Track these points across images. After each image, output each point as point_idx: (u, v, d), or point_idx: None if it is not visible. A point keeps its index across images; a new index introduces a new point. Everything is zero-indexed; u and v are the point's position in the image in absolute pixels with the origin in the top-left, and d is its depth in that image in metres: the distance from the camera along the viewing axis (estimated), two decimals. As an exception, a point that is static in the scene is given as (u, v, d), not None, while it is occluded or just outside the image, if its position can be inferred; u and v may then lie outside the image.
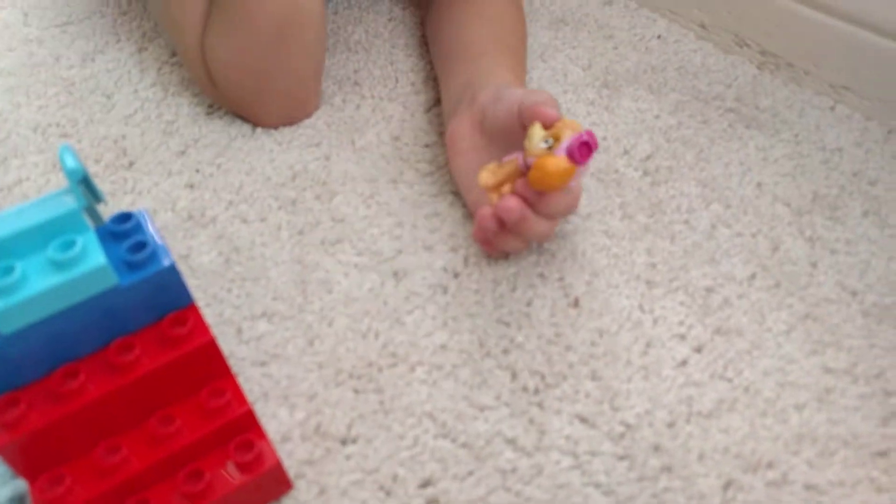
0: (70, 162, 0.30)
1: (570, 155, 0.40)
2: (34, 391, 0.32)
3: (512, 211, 0.42)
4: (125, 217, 0.34)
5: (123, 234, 0.33)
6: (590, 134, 0.40)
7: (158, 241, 0.33)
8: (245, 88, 0.56)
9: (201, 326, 0.34)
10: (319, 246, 0.50)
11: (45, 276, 0.30)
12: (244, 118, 0.60)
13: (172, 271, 0.33)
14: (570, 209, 0.45)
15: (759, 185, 0.55)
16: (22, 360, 0.31)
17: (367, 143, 0.58)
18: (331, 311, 0.46)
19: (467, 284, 0.48)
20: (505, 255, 0.49)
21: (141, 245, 0.33)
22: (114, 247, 0.33)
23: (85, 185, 0.33)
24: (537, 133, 0.42)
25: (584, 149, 0.40)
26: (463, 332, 0.45)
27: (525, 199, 0.43)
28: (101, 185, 0.54)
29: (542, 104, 0.43)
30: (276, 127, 0.59)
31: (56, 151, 0.57)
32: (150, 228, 0.34)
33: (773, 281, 0.48)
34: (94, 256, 0.30)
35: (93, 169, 0.55)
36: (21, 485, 0.37)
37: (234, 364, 0.43)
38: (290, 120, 0.59)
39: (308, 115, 0.60)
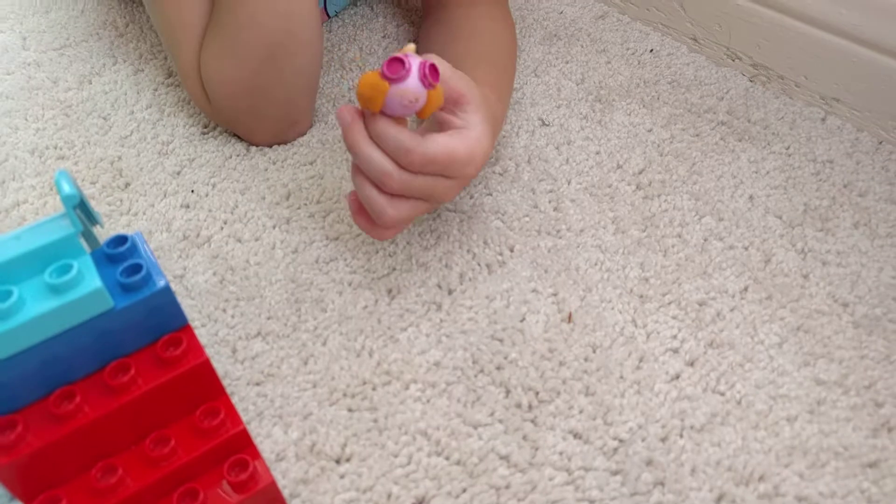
0: (66, 188, 0.31)
1: (382, 70, 0.40)
2: (31, 413, 0.32)
3: (341, 113, 0.43)
4: (120, 240, 0.34)
5: (119, 256, 0.34)
6: (406, 56, 0.40)
7: (153, 263, 0.34)
8: (238, 106, 0.57)
9: (196, 347, 0.35)
10: (314, 264, 0.50)
11: (41, 301, 0.30)
12: (239, 137, 0.60)
13: (167, 293, 0.33)
14: (402, 150, 0.42)
15: (751, 197, 0.55)
16: (19, 384, 0.31)
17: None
18: (325, 329, 0.46)
19: (461, 301, 0.48)
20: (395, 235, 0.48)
21: (136, 268, 0.33)
22: (109, 270, 0.33)
23: (81, 209, 0.34)
24: None
25: (393, 64, 0.40)
26: (457, 349, 0.45)
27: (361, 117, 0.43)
28: (98, 206, 0.55)
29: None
30: (269, 145, 0.60)
31: (53, 174, 0.57)
32: (145, 251, 0.34)
33: (766, 293, 0.48)
34: (89, 280, 0.31)
35: (89, 190, 0.56)
36: None
37: (229, 384, 0.44)
38: (284, 138, 0.60)
39: (301, 134, 0.61)
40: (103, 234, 0.52)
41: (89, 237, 0.35)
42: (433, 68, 0.41)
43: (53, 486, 0.33)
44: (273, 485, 0.36)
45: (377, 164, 0.43)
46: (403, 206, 0.45)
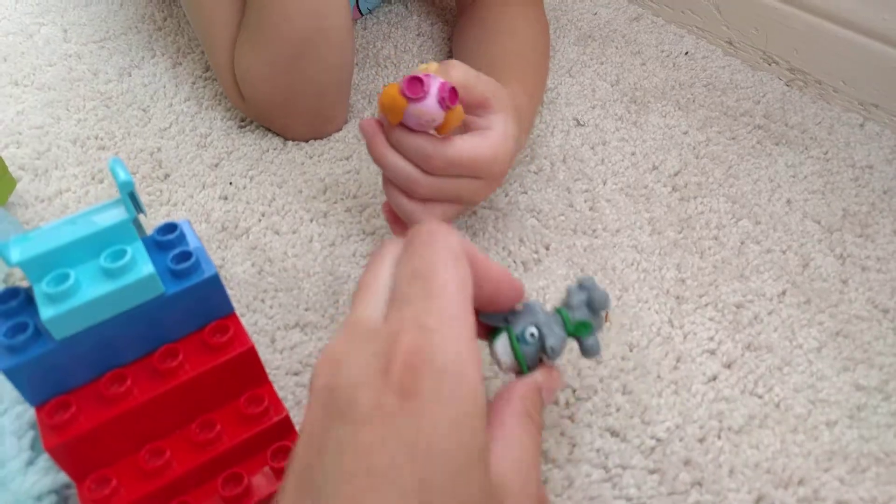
0: (122, 174, 0.31)
1: (401, 87, 0.40)
2: (83, 395, 0.33)
3: (363, 127, 0.44)
4: (170, 228, 0.35)
5: (168, 244, 0.34)
6: (427, 76, 0.40)
7: (202, 251, 0.34)
8: (272, 103, 0.57)
9: (242, 335, 0.35)
10: (351, 258, 0.51)
11: (96, 284, 0.31)
12: (274, 132, 0.61)
13: (215, 281, 0.34)
14: (423, 157, 0.42)
15: (788, 201, 0.55)
16: (73, 365, 0.32)
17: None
18: (363, 322, 0.47)
19: (497, 297, 0.48)
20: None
21: (185, 255, 0.34)
22: (159, 256, 0.34)
23: (131, 197, 0.34)
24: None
25: (412, 83, 0.40)
26: (493, 344, 0.45)
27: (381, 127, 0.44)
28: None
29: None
30: (305, 140, 0.60)
31: (95, 164, 0.58)
32: (193, 238, 0.35)
33: (804, 297, 0.48)
34: (142, 266, 0.31)
35: (130, 180, 0.57)
36: (62, 478, 0.37)
37: (268, 373, 0.44)
38: (318, 134, 0.60)
39: (336, 130, 0.61)
40: (144, 222, 0.52)
41: (137, 225, 0.36)
42: (453, 92, 0.40)
43: (103, 466, 0.33)
44: (313, 472, 0.36)
45: (402, 171, 0.43)
46: (436, 209, 0.45)
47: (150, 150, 0.59)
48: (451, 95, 0.40)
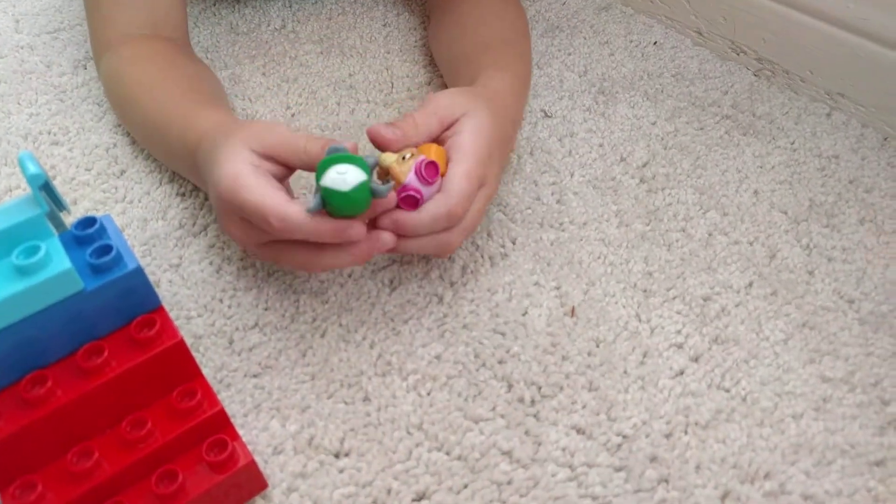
0: (31, 168, 0.30)
1: (399, 205, 0.41)
2: (2, 399, 0.32)
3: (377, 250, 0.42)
4: (89, 222, 0.34)
5: (87, 238, 0.33)
6: (411, 188, 0.40)
7: (124, 244, 0.33)
8: None
9: (170, 328, 0.34)
10: (313, 255, 0.49)
11: (9, 283, 0.30)
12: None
13: (138, 274, 0.33)
14: (451, 217, 0.41)
15: (755, 192, 0.54)
16: None
17: (362, 150, 0.57)
18: (324, 321, 0.45)
19: (463, 294, 0.47)
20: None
21: (106, 249, 0.33)
22: (78, 252, 0.33)
23: (48, 192, 0.33)
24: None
25: (407, 202, 0.41)
26: (458, 342, 0.44)
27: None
28: (93, 194, 0.54)
29: (383, 129, 0.42)
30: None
31: (47, 160, 0.56)
32: (115, 232, 0.34)
33: (771, 289, 0.48)
34: (58, 261, 0.30)
35: (84, 177, 0.55)
36: None
37: (226, 375, 0.43)
38: None
39: None
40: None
41: (56, 220, 0.35)
42: (429, 166, 0.41)
43: (28, 471, 0.32)
44: (252, 464, 0.35)
45: (428, 247, 0.42)
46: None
47: (105, 146, 0.57)
48: (428, 171, 0.40)
